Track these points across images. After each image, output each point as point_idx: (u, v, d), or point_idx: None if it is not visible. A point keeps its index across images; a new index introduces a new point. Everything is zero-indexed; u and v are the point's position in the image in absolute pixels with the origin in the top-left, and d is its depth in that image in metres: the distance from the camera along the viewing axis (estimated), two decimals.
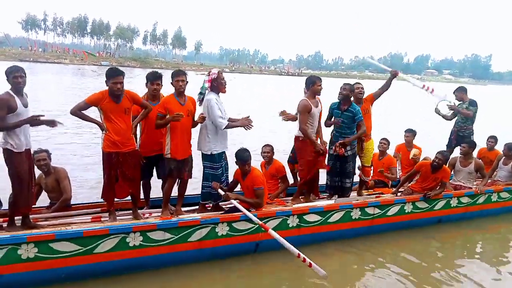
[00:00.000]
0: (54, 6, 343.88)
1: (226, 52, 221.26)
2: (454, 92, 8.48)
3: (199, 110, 5.78)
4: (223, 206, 6.12)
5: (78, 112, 5.05)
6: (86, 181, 8.44)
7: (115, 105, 5.13)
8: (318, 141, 6.46)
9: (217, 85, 5.76)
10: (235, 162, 5.65)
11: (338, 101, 6.57)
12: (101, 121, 5.21)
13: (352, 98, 6.60)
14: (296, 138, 6.48)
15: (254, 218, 5.26)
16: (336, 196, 6.71)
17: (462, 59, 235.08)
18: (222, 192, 5.62)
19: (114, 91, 5.07)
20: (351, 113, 6.41)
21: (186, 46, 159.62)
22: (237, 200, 5.54)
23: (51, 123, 4.88)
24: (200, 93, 5.79)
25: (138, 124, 5.76)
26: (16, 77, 4.66)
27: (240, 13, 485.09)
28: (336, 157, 6.53)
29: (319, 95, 6.43)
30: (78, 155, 10.93)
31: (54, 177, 5.48)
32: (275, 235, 5.08)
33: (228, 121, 5.71)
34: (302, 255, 4.87)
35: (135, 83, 39.45)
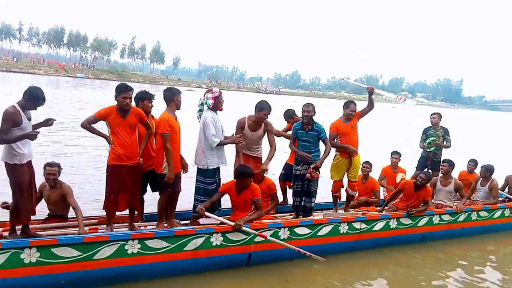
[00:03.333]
0: (31, 16, 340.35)
1: (205, 68, 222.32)
2: (432, 115, 8.88)
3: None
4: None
5: (88, 125, 5.24)
6: (85, 193, 8.33)
7: (121, 120, 5.28)
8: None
9: (216, 103, 6.00)
10: (237, 178, 5.74)
11: (301, 122, 6.74)
12: (108, 135, 5.35)
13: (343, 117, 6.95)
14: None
15: (251, 231, 5.43)
16: (300, 215, 6.86)
17: (435, 82, 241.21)
18: (227, 221, 5.58)
19: (123, 106, 5.24)
20: (316, 132, 6.63)
21: (164, 60, 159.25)
22: (245, 222, 5.59)
23: (47, 122, 5.04)
24: (200, 110, 6.00)
25: None
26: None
27: (220, 30, 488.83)
28: (302, 177, 6.70)
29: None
30: (78, 168, 10.91)
31: (60, 192, 5.48)
32: (273, 239, 5.37)
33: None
34: (299, 249, 5.30)
35: (111, 96, 39.35)
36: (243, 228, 5.44)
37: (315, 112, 6.70)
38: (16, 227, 5.04)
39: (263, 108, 6.38)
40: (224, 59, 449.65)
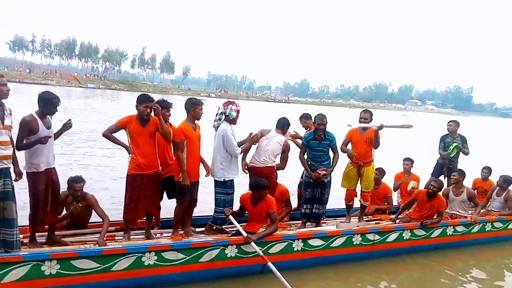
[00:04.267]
0: (44, 28, 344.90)
1: (214, 78, 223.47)
2: (449, 122, 8.93)
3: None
4: (228, 230, 6.34)
5: (109, 134, 5.41)
6: (102, 200, 8.51)
7: (141, 129, 5.42)
8: None
9: (233, 119, 6.15)
10: (252, 190, 5.80)
11: (312, 132, 6.86)
12: (128, 145, 5.47)
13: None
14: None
15: (257, 249, 5.44)
16: (314, 223, 7.00)
17: (445, 90, 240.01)
18: (242, 231, 5.63)
19: (144, 115, 5.38)
20: (328, 141, 6.79)
21: (174, 70, 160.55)
22: (259, 237, 5.61)
23: (66, 126, 5.17)
24: (219, 119, 6.09)
25: None
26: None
27: (229, 40, 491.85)
28: (315, 184, 6.80)
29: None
30: (96, 175, 11.11)
31: (85, 204, 5.57)
32: (273, 267, 5.24)
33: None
34: None
35: (123, 105, 39.92)
36: (252, 244, 5.45)
37: (327, 123, 6.81)
38: (37, 234, 5.20)
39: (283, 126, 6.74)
40: (234, 68, 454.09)
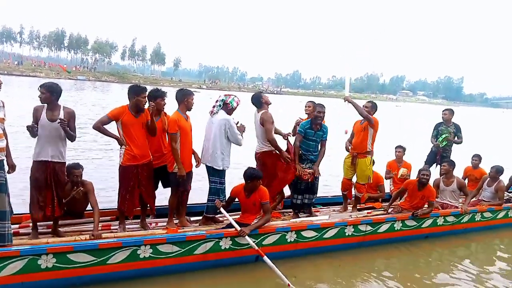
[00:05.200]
0: (32, 19, 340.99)
1: (205, 69, 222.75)
2: (443, 111, 9.07)
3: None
4: (221, 218, 6.43)
5: (100, 126, 5.38)
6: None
7: (134, 119, 5.47)
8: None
9: (232, 109, 6.22)
10: (246, 181, 5.81)
11: (309, 121, 6.89)
12: (119, 136, 5.49)
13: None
14: (263, 154, 6.69)
15: (252, 244, 5.49)
16: (304, 214, 7.11)
17: (436, 80, 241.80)
18: (235, 224, 5.63)
19: (141, 105, 5.48)
20: (322, 132, 6.87)
21: (165, 62, 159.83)
22: (252, 229, 5.64)
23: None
24: (219, 105, 6.16)
25: None
26: (40, 92, 5.06)
27: (220, 31, 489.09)
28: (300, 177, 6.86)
29: (270, 104, 6.83)
30: (93, 163, 11.20)
31: (84, 190, 5.60)
32: (268, 261, 5.29)
33: None
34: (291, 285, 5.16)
35: (113, 97, 39.76)
36: (247, 238, 5.50)
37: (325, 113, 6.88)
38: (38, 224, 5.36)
39: (261, 96, 6.72)
40: (225, 59, 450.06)
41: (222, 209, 5.94)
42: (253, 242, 5.52)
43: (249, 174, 5.79)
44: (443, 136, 8.74)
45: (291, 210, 7.30)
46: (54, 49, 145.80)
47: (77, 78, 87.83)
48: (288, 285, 5.14)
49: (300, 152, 6.89)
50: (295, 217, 7.00)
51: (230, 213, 6.00)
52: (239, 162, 8.23)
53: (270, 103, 6.77)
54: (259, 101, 6.64)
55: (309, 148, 6.86)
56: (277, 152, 6.63)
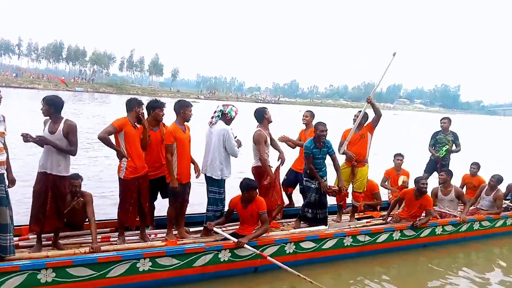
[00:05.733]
0: (30, 31, 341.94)
1: (203, 79, 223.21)
2: (442, 120, 9.11)
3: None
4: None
5: (107, 137, 5.34)
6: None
7: (134, 131, 5.53)
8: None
9: (230, 119, 6.27)
10: (243, 191, 5.85)
11: (313, 139, 6.84)
12: (122, 149, 5.50)
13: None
14: (256, 169, 6.75)
15: (251, 249, 5.56)
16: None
17: (432, 89, 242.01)
18: (231, 238, 5.68)
19: (141, 116, 5.62)
20: (326, 148, 6.87)
21: (163, 72, 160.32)
22: (250, 239, 5.66)
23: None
24: (218, 116, 6.20)
25: None
26: (41, 105, 5.10)
27: (218, 42, 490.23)
28: (317, 190, 6.88)
29: (271, 122, 6.86)
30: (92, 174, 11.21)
31: (84, 201, 5.61)
32: (273, 260, 5.43)
33: None
34: (302, 276, 5.29)
35: (111, 109, 39.86)
36: (246, 246, 5.53)
37: (327, 131, 6.87)
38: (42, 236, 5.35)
39: (265, 112, 6.76)
40: (223, 70, 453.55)
41: (215, 228, 5.94)
42: (247, 254, 5.61)
43: (244, 185, 5.82)
44: (445, 148, 8.78)
45: (290, 220, 7.35)
46: (52, 61, 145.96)
47: (75, 89, 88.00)
48: (299, 275, 5.29)
49: (308, 172, 6.94)
50: (297, 226, 7.05)
51: (231, 223, 6.08)
52: (242, 171, 8.31)
53: (271, 121, 6.85)
54: (261, 116, 6.71)
55: (317, 166, 6.86)
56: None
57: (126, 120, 5.55)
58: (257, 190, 5.95)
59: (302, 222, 7.13)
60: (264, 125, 6.70)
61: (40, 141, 4.95)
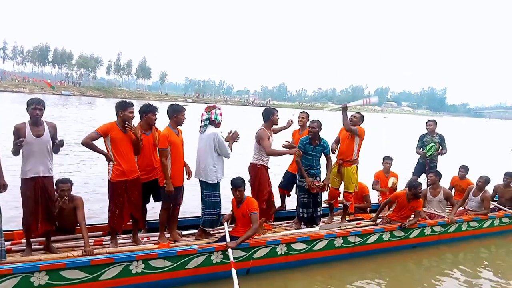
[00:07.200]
0: (15, 34, 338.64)
1: (192, 83, 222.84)
2: (428, 122, 9.21)
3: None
4: (212, 232, 6.53)
5: (89, 142, 5.37)
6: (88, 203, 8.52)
7: (123, 135, 5.51)
8: None
9: (219, 123, 6.31)
10: (232, 190, 5.96)
11: (308, 136, 6.99)
12: (107, 152, 5.52)
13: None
14: (253, 166, 6.79)
15: (231, 256, 5.45)
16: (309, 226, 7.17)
17: (419, 91, 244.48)
18: (227, 238, 5.74)
19: (129, 120, 5.52)
20: (322, 147, 6.95)
21: (151, 76, 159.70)
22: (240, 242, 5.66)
23: (60, 144, 5.30)
24: (205, 125, 6.22)
25: None
26: (34, 109, 5.05)
27: (206, 45, 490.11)
28: (309, 190, 6.93)
29: (276, 125, 6.94)
30: (82, 178, 11.20)
31: (72, 206, 5.62)
32: (234, 276, 5.16)
33: None
34: None
35: (99, 112, 39.56)
36: (229, 251, 5.50)
37: (320, 129, 6.96)
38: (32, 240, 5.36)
39: (273, 113, 6.78)
40: (211, 73, 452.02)
41: (225, 223, 6.06)
42: (239, 256, 5.66)
43: (231, 183, 5.93)
44: (430, 145, 8.90)
45: (282, 222, 7.42)
46: (38, 64, 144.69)
47: (62, 93, 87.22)
48: None
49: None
50: (298, 227, 7.15)
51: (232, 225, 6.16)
52: (238, 171, 8.33)
53: (276, 124, 6.93)
54: (268, 117, 6.79)
55: (309, 162, 6.94)
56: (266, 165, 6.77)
57: (112, 125, 5.54)
58: (239, 189, 5.88)
59: (304, 225, 7.21)
60: (268, 125, 6.77)
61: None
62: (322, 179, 7.05)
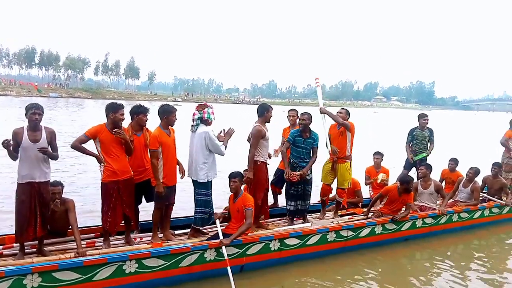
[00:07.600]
0: (1, 37, 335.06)
1: (181, 82, 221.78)
2: (423, 118, 9.20)
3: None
4: (205, 230, 6.51)
5: (78, 145, 5.37)
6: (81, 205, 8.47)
7: (112, 136, 5.48)
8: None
9: (212, 121, 6.30)
10: (229, 183, 5.98)
11: (299, 129, 7.01)
12: (98, 154, 5.51)
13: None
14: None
15: (225, 253, 5.51)
16: (302, 219, 7.24)
17: (408, 86, 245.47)
18: (220, 235, 5.72)
19: (120, 122, 5.51)
20: (312, 140, 6.96)
21: (140, 76, 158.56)
22: (234, 239, 5.66)
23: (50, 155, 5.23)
24: (197, 124, 6.21)
25: None
26: (34, 113, 5.03)
27: (194, 43, 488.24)
28: (298, 182, 6.93)
29: (268, 122, 6.92)
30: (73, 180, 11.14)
31: (64, 208, 5.60)
32: (230, 274, 5.31)
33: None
34: None
35: (88, 114, 39.32)
36: (223, 248, 5.53)
37: (311, 121, 6.97)
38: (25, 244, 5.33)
39: (268, 109, 6.83)
40: (200, 71, 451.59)
41: (217, 221, 6.00)
42: (232, 253, 5.66)
43: (229, 176, 5.94)
44: (422, 156, 8.97)
45: (275, 219, 7.45)
46: (25, 66, 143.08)
47: (49, 95, 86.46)
48: None
49: (291, 160, 7.02)
50: (290, 223, 7.13)
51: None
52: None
53: (269, 122, 6.91)
54: (262, 112, 6.81)
55: (299, 155, 6.95)
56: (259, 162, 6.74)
57: (101, 126, 5.53)
58: (233, 180, 5.92)
59: (291, 218, 7.23)
60: (262, 121, 6.78)
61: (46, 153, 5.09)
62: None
